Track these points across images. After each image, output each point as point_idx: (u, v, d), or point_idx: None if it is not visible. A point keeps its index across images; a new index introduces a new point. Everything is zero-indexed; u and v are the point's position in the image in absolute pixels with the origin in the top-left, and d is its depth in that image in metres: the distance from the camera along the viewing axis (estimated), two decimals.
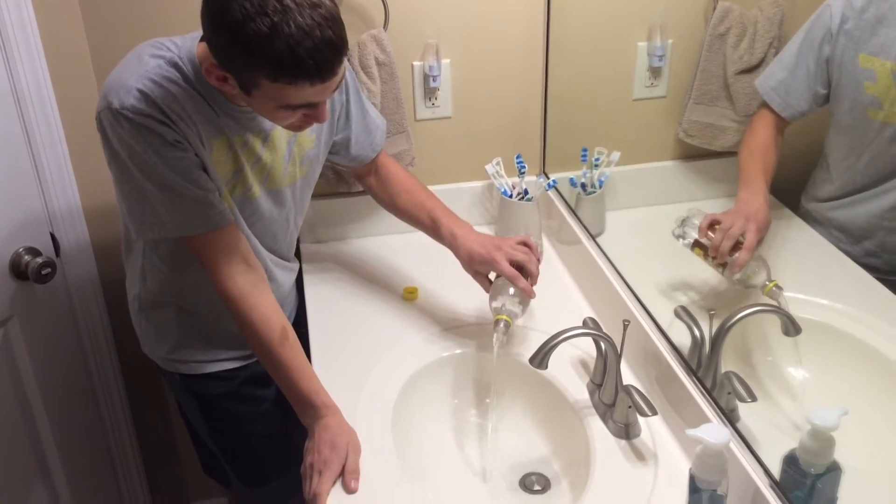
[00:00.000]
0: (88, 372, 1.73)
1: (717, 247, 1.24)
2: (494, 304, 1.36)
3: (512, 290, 1.36)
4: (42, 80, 1.49)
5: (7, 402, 1.58)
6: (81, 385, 1.73)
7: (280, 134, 1.32)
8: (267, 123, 1.29)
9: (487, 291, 1.40)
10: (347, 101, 1.44)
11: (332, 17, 1.05)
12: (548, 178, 1.84)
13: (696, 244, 1.29)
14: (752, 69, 1.33)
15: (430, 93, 1.76)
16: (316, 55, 1.03)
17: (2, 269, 1.49)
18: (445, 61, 1.74)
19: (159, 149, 1.17)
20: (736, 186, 1.37)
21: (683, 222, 1.32)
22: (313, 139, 1.39)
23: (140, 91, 1.15)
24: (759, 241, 1.21)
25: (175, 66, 1.18)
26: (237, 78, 1.09)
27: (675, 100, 1.50)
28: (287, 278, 1.51)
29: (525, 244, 1.41)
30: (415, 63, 1.73)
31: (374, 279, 1.69)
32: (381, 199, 1.58)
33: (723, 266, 1.25)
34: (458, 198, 1.85)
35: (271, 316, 1.26)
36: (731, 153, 1.40)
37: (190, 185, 1.20)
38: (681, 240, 1.31)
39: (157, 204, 1.21)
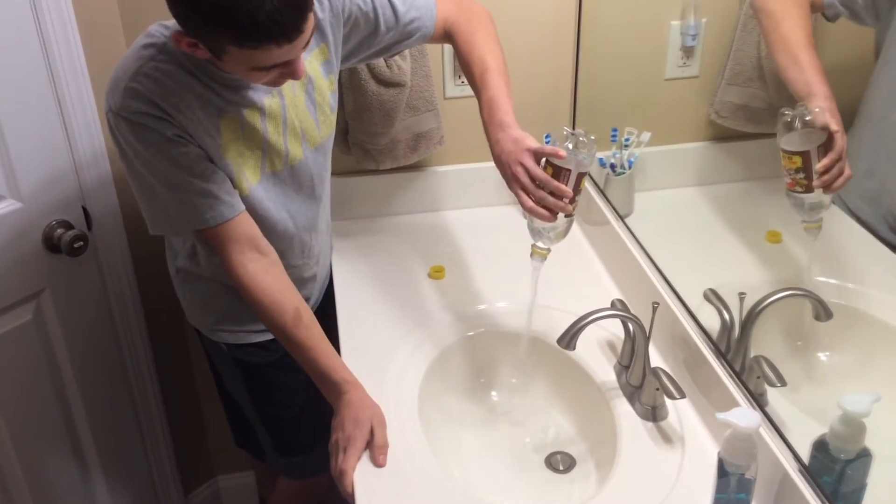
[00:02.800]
0: (118, 344, 1.75)
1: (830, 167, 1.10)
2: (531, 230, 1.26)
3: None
4: (76, 59, 1.50)
5: (40, 372, 1.61)
6: (111, 357, 1.75)
7: (294, 85, 1.29)
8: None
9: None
10: (376, 19, 1.34)
11: None
12: None
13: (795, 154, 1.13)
14: None
15: (459, 70, 1.75)
16: (278, 17, 1.01)
17: (35, 242, 1.51)
18: None
19: (160, 145, 1.16)
20: (767, 168, 1.36)
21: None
22: (331, 80, 1.35)
23: (133, 89, 1.14)
24: None
25: (167, 51, 1.17)
26: (206, 46, 1.08)
27: (708, 80, 1.48)
28: (326, 243, 1.53)
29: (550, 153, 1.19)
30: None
31: (400, 258, 1.70)
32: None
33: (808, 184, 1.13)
34: (486, 177, 1.84)
35: (284, 299, 1.27)
36: (763, 135, 1.39)
37: (195, 178, 1.19)
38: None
39: (164, 201, 1.22)
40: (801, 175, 1.14)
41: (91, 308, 1.67)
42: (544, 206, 1.18)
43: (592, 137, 1.20)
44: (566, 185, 1.18)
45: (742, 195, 1.41)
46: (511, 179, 1.22)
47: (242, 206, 1.26)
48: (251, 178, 1.28)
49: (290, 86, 1.29)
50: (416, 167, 1.83)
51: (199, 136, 1.19)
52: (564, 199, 1.18)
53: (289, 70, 1.12)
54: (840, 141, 1.09)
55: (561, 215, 1.20)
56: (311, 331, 1.28)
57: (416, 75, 1.68)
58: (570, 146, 1.19)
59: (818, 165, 1.11)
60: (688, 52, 1.53)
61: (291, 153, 1.31)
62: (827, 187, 1.12)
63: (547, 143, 1.75)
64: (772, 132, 1.37)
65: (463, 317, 1.50)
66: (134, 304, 1.75)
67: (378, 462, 1.19)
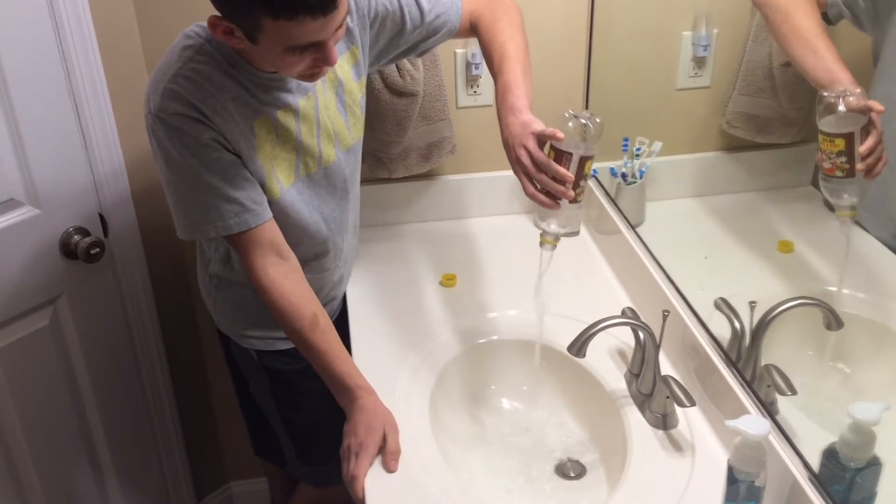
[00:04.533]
0: (133, 350, 1.77)
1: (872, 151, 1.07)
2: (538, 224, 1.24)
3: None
4: (95, 67, 1.52)
5: (56, 377, 1.62)
6: (126, 362, 1.77)
7: (325, 85, 1.31)
8: (309, 84, 1.28)
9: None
10: (402, 20, 1.36)
11: None
12: None
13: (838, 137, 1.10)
14: None
15: (472, 80, 1.77)
16: None
17: (52, 249, 1.53)
18: None
19: (194, 149, 1.18)
20: (778, 178, 1.36)
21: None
22: (362, 83, 1.37)
23: (172, 91, 1.16)
24: None
25: (204, 52, 1.19)
26: (242, 26, 1.09)
27: (720, 90, 1.48)
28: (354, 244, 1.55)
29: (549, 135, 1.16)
30: (457, 51, 1.74)
31: (412, 266, 1.71)
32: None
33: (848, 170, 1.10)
34: (498, 185, 1.85)
35: (302, 304, 1.28)
36: (774, 145, 1.39)
37: (225, 184, 1.21)
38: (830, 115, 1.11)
39: (193, 204, 1.23)
40: (843, 159, 1.10)
41: (107, 314, 1.69)
42: (546, 192, 1.16)
43: (598, 120, 1.17)
44: (567, 168, 1.14)
45: (753, 205, 1.41)
46: (514, 163, 1.20)
47: (269, 215, 1.27)
48: (284, 180, 1.29)
49: (321, 88, 1.30)
50: (428, 176, 1.84)
51: (234, 138, 1.21)
52: (567, 185, 1.14)
53: (322, 55, 1.12)
54: (879, 124, 1.07)
55: (565, 202, 1.16)
56: (327, 336, 1.29)
57: (429, 85, 1.70)
58: (571, 126, 1.16)
59: (862, 148, 1.08)
60: (699, 62, 1.53)
61: (325, 155, 1.33)
62: (869, 171, 1.09)
63: None
64: (783, 143, 1.38)
65: (474, 324, 1.51)
66: (149, 311, 1.77)
67: (390, 468, 1.20)
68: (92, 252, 1.55)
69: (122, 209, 1.65)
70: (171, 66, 1.18)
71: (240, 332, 1.48)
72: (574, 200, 1.17)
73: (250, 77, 1.21)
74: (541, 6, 1.72)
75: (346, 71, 1.34)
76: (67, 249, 1.55)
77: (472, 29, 1.42)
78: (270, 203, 1.28)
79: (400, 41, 1.39)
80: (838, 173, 1.11)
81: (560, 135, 1.14)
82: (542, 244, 1.23)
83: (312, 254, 1.40)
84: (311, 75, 1.18)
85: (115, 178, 1.61)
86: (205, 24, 1.17)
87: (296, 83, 1.27)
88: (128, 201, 1.65)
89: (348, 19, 1.28)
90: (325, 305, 1.48)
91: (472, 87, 1.78)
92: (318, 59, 1.14)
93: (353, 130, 1.38)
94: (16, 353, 1.53)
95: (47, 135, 1.48)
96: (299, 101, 1.27)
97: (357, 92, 1.37)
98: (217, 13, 1.10)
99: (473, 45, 1.72)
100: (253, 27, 1.08)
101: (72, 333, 1.63)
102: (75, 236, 1.55)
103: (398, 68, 1.64)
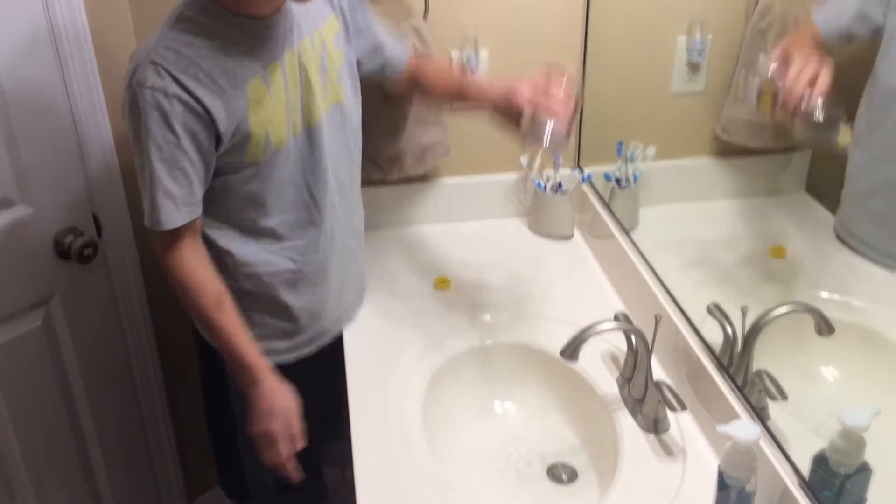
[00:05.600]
0: (126, 351, 1.77)
1: (793, 80, 1.07)
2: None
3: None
4: (90, 68, 1.52)
5: (47, 378, 1.62)
6: (119, 364, 1.77)
7: (312, 45, 1.30)
8: (294, 35, 1.27)
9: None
10: (352, 14, 1.40)
11: None
12: (582, 172, 1.84)
13: (765, 92, 1.14)
14: None
15: None
16: None
17: (46, 248, 1.53)
18: (483, 52, 1.74)
19: (158, 127, 1.17)
20: (772, 184, 1.37)
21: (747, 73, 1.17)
22: (341, 52, 1.37)
23: (153, 63, 1.15)
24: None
25: (188, 20, 1.19)
26: None
27: (714, 96, 1.49)
28: (354, 243, 1.51)
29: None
30: (453, 53, 1.74)
31: (405, 269, 1.71)
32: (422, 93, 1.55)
33: (793, 114, 1.10)
34: (491, 189, 1.86)
35: (207, 282, 1.29)
36: (769, 151, 1.40)
37: (166, 177, 1.19)
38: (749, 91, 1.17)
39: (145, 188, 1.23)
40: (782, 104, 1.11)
41: (100, 315, 1.69)
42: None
43: None
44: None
45: (747, 210, 1.41)
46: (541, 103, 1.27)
47: (199, 213, 1.26)
48: (275, 143, 1.27)
49: (307, 46, 1.29)
50: (422, 178, 1.84)
51: (215, 105, 1.18)
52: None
53: None
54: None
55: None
56: (230, 316, 1.30)
57: None
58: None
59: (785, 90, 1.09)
60: (694, 67, 1.54)
61: (306, 114, 1.30)
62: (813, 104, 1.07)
63: (556, 162, 1.76)
64: (777, 148, 1.38)
65: (467, 327, 1.51)
66: (142, 313, 1.77)
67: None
68: (85, 252, 1.54)
69: (115, 209, 1.64)
70: (156, 37, 1.18)
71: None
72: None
73: (238, 38, 1.20)
74: (537, 11, 1.72)
75: (331, 32, 1.34)
76: (61, 249, 1.55)
77: (413, 79, 1.51)
78: (257, 163, 1.26)
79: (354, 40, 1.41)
80: (787, 117, 1.11)
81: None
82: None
83: (297, 221, 1.36)
84: None
85: (109, 178, 1.61)
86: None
87: (285, 31, 1.25)
88: (122, 201, 1.65)
89: None
90: (324, 334, 1.47)
91: None
92: None
93: (328, 95, 1.34)
94: (7, 354, 1.53)
95: (41, 132, 1.47)
96: (286, 55, 1.26)
97: (336, 59, 1.36)
98: None
99: (469, 47, 1.72)
100: None
101: (64, 335, 1.62)
102: (68, 236, 1.55)
103: None
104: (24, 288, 1.52)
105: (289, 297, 1.39)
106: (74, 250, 1.54)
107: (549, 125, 1.25)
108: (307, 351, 1.46)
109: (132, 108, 1.18)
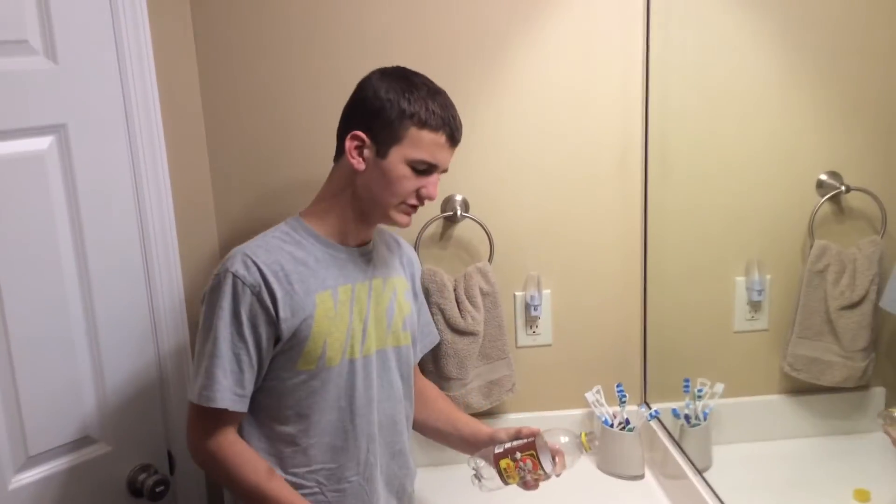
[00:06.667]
0: None
1: None
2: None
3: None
4: (178, 300, 1.62)
5: None
6: None
7: (384, 285, 1.43)
8: (370, 271, 1.41)
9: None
10: (415, 283, 1.56)
11: None
12: (649, 408, 1.82)
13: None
14: (854, 305, 1.34)
15: (531, 321, 1.83)
16: (456, 119, 1.36)
17: (120, 487, 1.54)
18: (546, 291, 1.81)
19: (231, 315, 1.29)
20: (846, 423, 1.34)
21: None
22: (410, 306, 1.49)
23: (245, 255, 1.31)
24: None
25: (285, 232, 1.38)
26: (380, 135, 1.32)
27: (778, 333, 1.50)
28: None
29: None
30: (517, 293, 1.81)
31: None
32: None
33: None
34: (557, 425, 1.84)
35: (255, 457, 1.34)
36: (839, 389, 1.38)
37: (233, 361, 1.29)
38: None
39: (199, 364, 1.32)
40: None
41: None
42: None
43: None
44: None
45: (824, 450, 1.38)
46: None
47: (245, 408, 1.33)
48: (330, 357, 1.34)
49: (380, 285, 1.43)
50: (487, 414, 1.84)
51: (284, 303, 1.30)
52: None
53: (428, 187, 1.35)
54: None
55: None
56: (284, 484, 1.34)
57: (489, 325, 1.76)
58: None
59: None
60: (755, 306, 1.57)
61: (368, 343, 1.39)
62: None
63: (619, 391, 1.77)
64: (848, 386, 1.37)
65: None
66: None
67: None
68: (157, 490, 1.55)
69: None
70: (255, 239, 1.37)
71: None
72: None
73: (325, 252, 1.37)
74: (596, 252, 1.81)
75: (403, 286, 1.47)
76: (133, 487, 1.56)
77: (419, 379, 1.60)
78: (308, 371, 1.33)
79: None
80: None
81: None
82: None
83: (332, 444, 1.38)
84: (410, 206, 1.38)
85: (186, 414, 1.65)
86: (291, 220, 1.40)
87: (362, 265, 1.40)
88: None
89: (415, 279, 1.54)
90: None
91: (531, 327, 1.83)
92: (423, 188, 1.35)
93: (390, 336, 1.43)
94: None
95: (126, 370, 1.53)
96: (357, 284, 1.39)
97: (405, 307, 1.47)
98: (356, 129, 1.33)
99: (532, 287, 1.79)
100: (391, 138, 1.32)
101: None
102: (142, 474, 1.56)
103: (460, 309, 1.71)
104: None
105: None
106: (147, 488, 1.55)
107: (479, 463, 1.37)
108: None
109: (213, 290, 1.31)
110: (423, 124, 1.32)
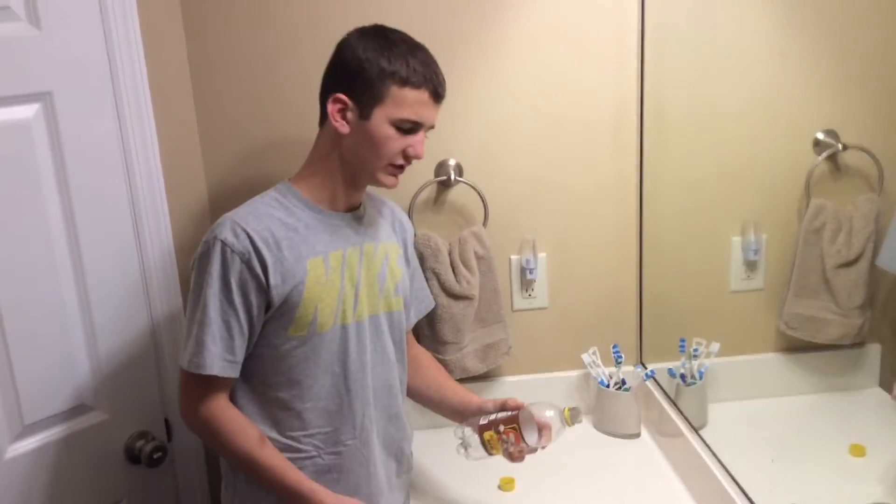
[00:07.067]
0: None
1: None
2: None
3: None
4: (171, 281, 1.61)
5: None
6: None
7: (375, 250, 1.42)
8: (361, 236, 1.39)
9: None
10: (407, 248, 1.55)
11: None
12: (645, 368, 1.83)
13: None
14: (851, 263, 1.34)
15: (526, 284, 1.82)
16: (439, 75, 1.33)
17: (117, 454, 1.55)
18: (542, 255, 1.81)
19: (222, 282, 1.28)
20: (842, 380, 1.34)
21: None
22: (402, 271, 1.47)
23: (234, 222, 1.30)
24: None
25: (274, 198, 1.36)
26: (361, 97, 1.30)
27: (774, 292, 1.50)
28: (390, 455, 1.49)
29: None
30: (512, 257, 1.81)
31: (470, 468, 1.67)
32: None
33: None
34: (554, 387, 1.85)
35: (247, 425, 1.34)
36: (835, 346, 1.38)
37: (223, 327, 1.29)
38: None
39: (189, 330, 1.32)
40: None
41: None
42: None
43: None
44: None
45: (819, 407, 1.38)
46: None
47: (236, 374, 1.33)
48: (321, 323, 1.34)
49: (371, 250, 1.41)
50: (484, 377, 1.85)
51: (274, 269, 1.29)
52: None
53: (415, 145, 1.34)
54: None
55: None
56: (275, 452, 1.34)
57: (485, 289, 1.75)
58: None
59: None
60: (751, 265, 1.56)
61: (360, 308, 1.39)
62: None
63: (615, 352, 1.77)
64: (844, 343, 1.37)
65: None
66: None
67: None
68: (155, 456, 1.56)
69: None
70: (245, 206, 1.35)
71: None
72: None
73: (316, 218, 1.36)
74: (592, 215, 1.80)
75: (395, 251, 1.46)
76: (131, 454, 1.56)
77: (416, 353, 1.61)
78: (300, 337, 1.33)
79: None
80: None
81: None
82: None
83: (326, 409, 1.38)
84: (397, 167, 1.36)
85: None
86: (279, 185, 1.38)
87: (353, 231, 1.38)
88: None
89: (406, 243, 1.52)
90: None
91: (526, 290, 1.83)
92: (410, 147, 1.33)
93: (381, 301, 1.42)
94: None
95: (120, 337, 1.53)
96: (349, 249, 1.37)
97: (397, 271, 1.46)
98: (337, 92, 1.31)
99: (527, 251, 1.79)
100: (374, 99, 1.30)
101: None
102: (139, 441, 1.57)
103: (455, 273, 1.71)
104: (92, 494, 1.53)
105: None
106: (144, 454, 1.56)
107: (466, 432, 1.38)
108: None
109: (202, 257, 1.30)
110: (404, 82, 1.30)
